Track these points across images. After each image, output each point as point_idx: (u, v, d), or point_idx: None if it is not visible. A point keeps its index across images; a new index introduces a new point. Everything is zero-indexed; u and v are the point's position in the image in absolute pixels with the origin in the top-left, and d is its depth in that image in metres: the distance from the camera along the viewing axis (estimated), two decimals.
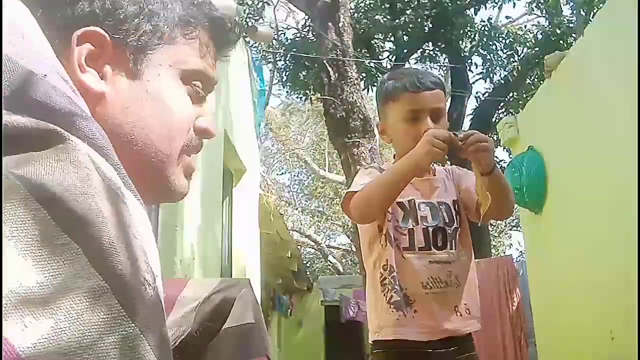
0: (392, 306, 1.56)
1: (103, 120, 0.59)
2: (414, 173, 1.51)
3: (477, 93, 10.24)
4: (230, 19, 0.74)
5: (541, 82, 5.62)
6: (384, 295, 1.58)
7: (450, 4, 9.29)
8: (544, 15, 10.07)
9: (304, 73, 9.92)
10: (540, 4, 9.78)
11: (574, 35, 8.26)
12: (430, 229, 1.60)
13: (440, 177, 1.71)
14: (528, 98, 6.77)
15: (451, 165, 1.80)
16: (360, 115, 6.15)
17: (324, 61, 6.51)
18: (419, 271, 1.57)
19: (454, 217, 1.64)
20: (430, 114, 1.57)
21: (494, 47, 9.98)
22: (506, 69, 9.79)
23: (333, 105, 6.19)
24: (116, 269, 0.38)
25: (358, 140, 6.01)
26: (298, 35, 10.82)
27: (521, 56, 9.70)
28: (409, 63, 10.40)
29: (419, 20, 9.24)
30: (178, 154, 0.66)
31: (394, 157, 1.76)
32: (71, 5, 0.60)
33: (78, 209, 0.38)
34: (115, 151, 0.48)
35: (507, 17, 14.70)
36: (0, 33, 0.59)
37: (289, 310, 12.26)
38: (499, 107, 9.68)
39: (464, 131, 1.47)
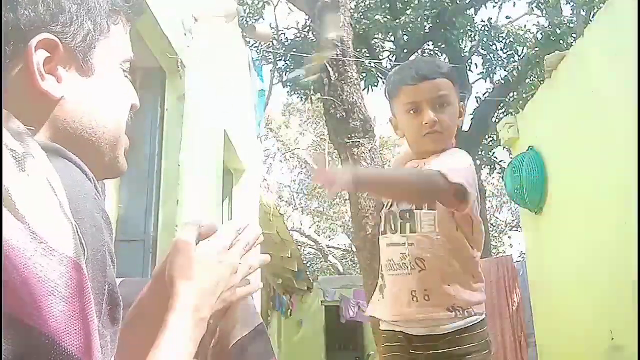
0: (378, 287, 1.66)
1: (63, 121, 0.66)
2: None
3: (477, 93, 10.25)
4: None
5: (541, 82, 5.62)
6: (380, 274, 1.69)
7: (450, 4, 9.29)
8: (544, 15, 10.07)
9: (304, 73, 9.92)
10: (540, 4, 9.78)
11: (574, 35, 8.26)
12: (390, 214, 1.63)
13: (420, 165, 1.65)
14: (528, 98, 6.76)
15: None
16: (360, 115, 6.15)
17: (324, 61, 6.50)
18: (381, 254, 1.64)
19: None
20: (430, 104, 1.58)
21: (494, 47, 9.99)
22: (506, 69, 9.79)
23: (333, 105, 6.18)
24: None
25: (358, 140, 6.00)
26: (298, 35, 10.82)
27: (521, 56, 9.70)
28: None
29: (419, 20, 9.24)
30: (122, 135, 0.74)
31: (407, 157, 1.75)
32: (16, 13, 0.61)
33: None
34: (76, 144, 0.64)
35: (507, 17, 14.70)
36: (0, 31, 0.59)
37: (289, 310, 12.25)
38: (499, 107, 9.68)
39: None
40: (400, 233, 1.59)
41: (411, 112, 1.60)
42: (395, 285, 1.57)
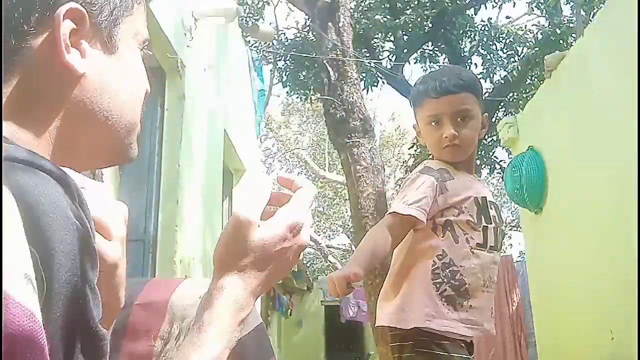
0: (443, 299, 1.54)
1: (81, 100, 0.61)
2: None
3: None
4: None
5: (541, 82, 5.62)
6: (435, 285, 1.55)
7: (450, 4, 9.29)
8: (544, 15, 10.06)
9: (304, 73, 9.92)
10: (540, 4, 9.78)
11: (574, 35, 8.25)
12: (497, 230, 1.65)
13: None
14: (528, 98, 6.76)
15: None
16: (360, 115, 6.15)
17: (324, 61, 6.50)
18: (483, 269, 1.60)
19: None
20: (451, 118, 1.62)
21: (494, 47, 9.98)
22: (506, 69, 9.78)
23: (333, 105, 6.18)
24: None
25: (358, 140, 6.00)
26: (298, 35, 10.82)
27: (521, 56, 9.70)
28: (409, 63, 10.41)
29: (419, 20, 9.24)
30: (138, 120, 0.69)
31: (431, 157, 1.76)
32: None
33: None
34: (91, 126, 0.62)
35: (507, 17, 14.70)
36: (0, 30, 0.59)
37: (289, 310, 12.26)
38: (499, 107, 9.68)
39: None
40: (498, 251, 1.67)
41: (432, 124, 1.66)
42: (488, 301, 1.63)
